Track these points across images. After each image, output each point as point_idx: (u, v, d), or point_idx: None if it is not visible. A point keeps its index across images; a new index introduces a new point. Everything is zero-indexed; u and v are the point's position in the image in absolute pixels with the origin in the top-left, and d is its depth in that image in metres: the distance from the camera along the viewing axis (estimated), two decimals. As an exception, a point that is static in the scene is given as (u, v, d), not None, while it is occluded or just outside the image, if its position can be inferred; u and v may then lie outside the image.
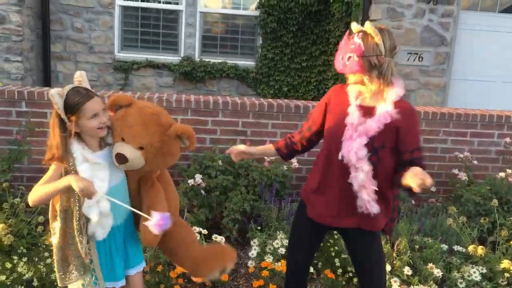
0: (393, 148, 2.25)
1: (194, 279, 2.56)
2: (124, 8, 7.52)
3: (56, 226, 2.20)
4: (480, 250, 3.43)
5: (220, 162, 4.17)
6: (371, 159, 2.23)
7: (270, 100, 4.74)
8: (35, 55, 7.03)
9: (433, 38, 6.75)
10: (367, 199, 2.24)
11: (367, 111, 2.25)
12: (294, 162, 4.37)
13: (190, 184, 3.98)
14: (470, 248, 3.49)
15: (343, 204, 2.33)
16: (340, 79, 7.39)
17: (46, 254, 3.29)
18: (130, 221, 2.38)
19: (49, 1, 7.02)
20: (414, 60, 6.74)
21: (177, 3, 7.65)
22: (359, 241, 2.44)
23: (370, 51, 2.16)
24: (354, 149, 2.23)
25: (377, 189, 2.24)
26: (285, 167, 4.27)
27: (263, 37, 7.68)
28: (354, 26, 2.27)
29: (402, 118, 2.20)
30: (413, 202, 4.49)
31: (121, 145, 2.17)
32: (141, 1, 7.56)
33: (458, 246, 3.68)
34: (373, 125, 2.21)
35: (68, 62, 7.37)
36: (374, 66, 2.18)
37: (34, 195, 2.07)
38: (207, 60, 7.69)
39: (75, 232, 2.14)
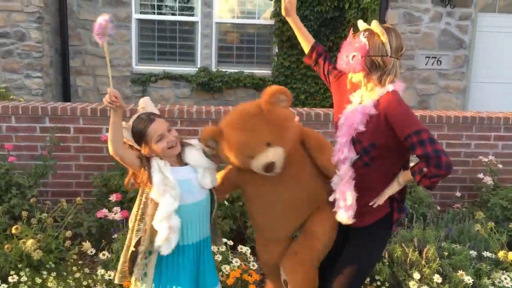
0: (391, 147, 2.14)
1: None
2: (141, 22, 7.61)
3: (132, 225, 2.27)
4: (511, 255, 3.37)
5: (242, 172, 4.17)
6: (363, 159, 2.17)
7: (290, 108, 4.73)
8: (54, 70, 7.14)
9: (451, 41, 6.70)
10: (341, 205, 2.20)
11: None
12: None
13: (214, 195, 3.98)
14: (500, 254, 3.43)
15: None
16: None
17: (74, 268, 3.32)
18: (205, 242, 2.37)
19: (68, 17, 7.13)
20: (432, 64, 6.70)
21: (192, 15, 7.72)
22: (350, 240, 2.36)
23: (375, 51, 2.10)
24: (337, 149, 2.22)
25: (352, 196, 2.16)
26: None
27: (279, 45, 7.70)
28: (361, 24, 2.22)
29: (384, 108, 2.10)
30: (438, 208, 4.43)
31: (253, 163, 2.14)
32: (157, 14, 7.65)
33: (487, 252, 3.62)
34: (350, 121, 2.17)
35: (87, 76, 7.47)
36: (378, 66, 2.11)
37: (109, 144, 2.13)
38: (223, 70, 7.73)
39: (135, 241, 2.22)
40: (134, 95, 7.56)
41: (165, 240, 2.15)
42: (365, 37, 2.11)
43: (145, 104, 2.29)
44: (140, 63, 7.69)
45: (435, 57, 6.68)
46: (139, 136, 2.19)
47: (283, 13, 2.61)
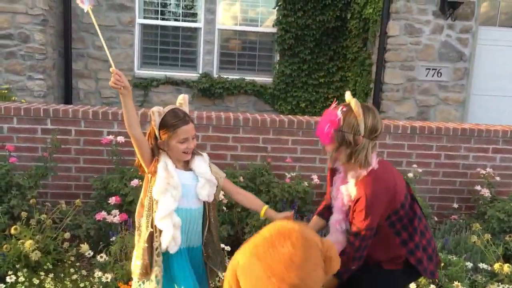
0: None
1: None
2: (144, 26, 7.66)
3: (142, 221, 2.31)
4: (507, 268, 3.38)
5: (241, 179, 4.19)
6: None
7: (290, 116, 4.77)
8: (56, 72, 7.17)
9: (452, 53, 6.75)
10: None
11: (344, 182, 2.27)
12: (315, 178, 4.38)
13: (212, 201, 4.01)
14: (496, 266, 3.44)
15: None
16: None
17: (72, 270, 3.33)
18: (194, 253, 2.40)
19: (72, 20, 7.18)
20: (432, 76, 6.74)
21: (195, 21, 7.77)
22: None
23: (348, 128, 2.12)
24: (333, 222, 2.33)
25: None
26: (306, 183, 4.27)
27: (281, 53, 7.75)
28: (347, 96, 2.23)
29: (357, 193, 2.14)
30: (435, 219, 4.45)
31: None
32: (161, 19, 7.70)
33: (483, 264, 3.63)
34: (339, 205, 2.27)
35: (89, 79, 7.50)
36: (348, 143, 2.12)
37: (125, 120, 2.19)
38: (225, 76, 7.77)
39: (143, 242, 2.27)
40: (136, 99, 7.59)
41: (172, 239, 2.21)
42: (341, 112, 2.13)
43: (184, 101, 2.36)
44: (142, 67, 7.73)
45: (435, 69, 6.72)
46: (168, 127, 2.24)
47: None
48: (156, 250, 2.25)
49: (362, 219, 2.11)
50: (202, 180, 2.32)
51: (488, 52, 6.97)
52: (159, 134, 2.26)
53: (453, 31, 6.69)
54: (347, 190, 2.20)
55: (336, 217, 2.31)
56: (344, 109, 2.15)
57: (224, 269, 2.51)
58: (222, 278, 3.34)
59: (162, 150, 2.29)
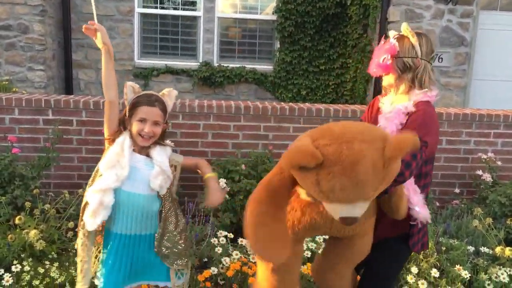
0: None
1: None
2: (143, 16, 7.63)
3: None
4: (508, 251, 3.40)
5: (243, 167, 4.21)
6: None
7: (291, 104, 4.77)
8: (56, 63, 7.16)
9: (453, 38, 6.72)
10: None
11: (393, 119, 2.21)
12: (317, 165, 4.39)
13: (214, 189, 4.02)
14: (497, 249, 3.47)
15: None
16: (358, 81, 7.39)
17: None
18: (140, 240, 2.34)
19: (70, 11, 7.15)
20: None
21: (195, 9, 7.73)
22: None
23: (405, 52, 2.16)
24: None
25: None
26: (307, 171, 4.28)
27: (281, 41, 7.72)
28: (392, 33, 2.27)
29: (415, 114, 2.10)
30: (437, 204, 4.47)
31: (333, 207, 1.72)
32: (160, 8, 7.67)
33: (485, 248, 3.65)
34: (391, 123, 2.15)
35: (89, 70, 7.49)
36: (409, 68, 2.16)
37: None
38: (225, 65, 7.75)
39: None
40: (136, 89, 7.59)
41: (92, 214, 2.17)
42: (395, 39, 2.18)
43: (168, 94, 2.34)
44: (142, 57, 7.72)
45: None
46: (133, 104, 2.26)
47: None
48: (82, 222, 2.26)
49: (423, 133, 1.98)
50: (158, 168, 2.26)
51: (489, 37, 6.94)
52: (128, 111, 2.27)
53: (454, 16, 6.66)
54: (406, 108, 2.12)
55: None
56: (396, 36, 2.19)
57: (182, 266, 2.45)
58: (226, 265, 3.37)
59: (125, 128, 2.29)
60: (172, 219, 2.38)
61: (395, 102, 2.24)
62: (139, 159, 2.27)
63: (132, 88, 2.28)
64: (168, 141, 2.44)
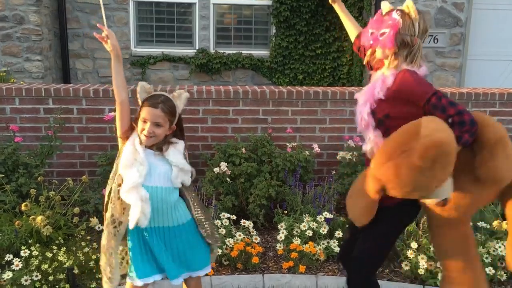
0: (404, 117, 2.14)
1: None
2: (138, 4, 7.62)
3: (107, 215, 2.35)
4: (505, 225, 3.48)
5: (243, 150, 4.26)
6: (379, 129, 2.27)
7: (289, 87, 4.81)
8: (53, 53, 7.17)
9: (448, 19, 6.75)
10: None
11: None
12: (316, 147, 4.45)
13: (216, 172, 4.08)
14: (495, 223, 3.55)
15: None
16: (355, 64, 7.43)
17: (83, 243, 3.42)
18: (172, 231, 2.40)
19: (65, 0, 7.14)
20: (429, 42, 6.75)
21: (190, -4, 7.72)
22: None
23: (405, 30, 2.19)
24: (359, 118, 2.30)
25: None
26: (307, 153, 4.34)
27: (277, 26, 7.73)
28: (386, 5, 2.29)
29: (398, 79, 2.19)
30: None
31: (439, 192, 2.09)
32: (155, -5, 7.65)
33: (482, 223, 3.73)
34: (371, 90, 2.25)
35: (86, 59, 7.50)
36: (406, 45, 2.21)
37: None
38: (221, 51, 7.77)
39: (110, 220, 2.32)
40: (134, 77, 7.61)
41: (142, 212, 2.22)
42: (398, 15, 2.20)
43: (178, 95, 2.39)
44: (139, 45, 7.72)
45: (432, 35, 6.74)
46: (140, 106, 2.34)
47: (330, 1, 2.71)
48: (107, 220, 2.31)
49: (426, 90, 2.14)
50: (175, 170, 2.34)
51: (484, 17, 6.98)
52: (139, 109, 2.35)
53: (449, -4, 6.69)
54: (385, 77, 2.22)
55: (361, 110, 2.30)
56: (399, 12, 2.22)
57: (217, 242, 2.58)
58: (230, 246, 3.44)
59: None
60: (196, 202, 2.49)
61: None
62: (153, 154, 2.34)
63: (144, 88, 2.34)
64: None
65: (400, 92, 2.18)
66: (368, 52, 2.36)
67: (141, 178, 2.25)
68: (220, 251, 3.42)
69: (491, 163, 2.08)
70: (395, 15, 2.20)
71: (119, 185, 2.28)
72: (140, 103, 2.35)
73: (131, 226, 2.25)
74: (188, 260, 2.44)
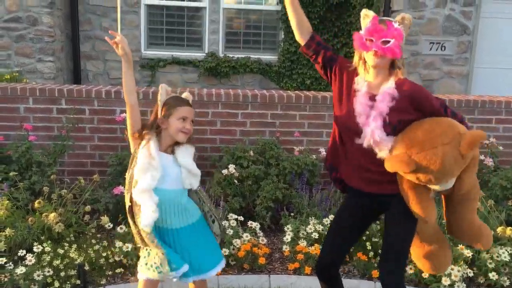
0: (412, 120, 2.30)
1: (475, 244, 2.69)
2: (149, 7, 7.72)
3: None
4: (509, 231, 3.53)
5: (251, 153, 4.33)
6: (390, 135, 2.31)
7: (297, 92, 4.89)
8: (65, 55, 7.28)
9: (455, 27, 6.80)
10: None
11: (373, 97, 2.32)
12: (323, 151, 4.51)
13: (224, 174, 4.16)
14: (499, 229, 3.59)
15: (368, 175, 2.42)
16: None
17: (93, 241, 3.50)
18: (184, 231, 2.46)
19: (78, 3, 7.25)
20: (436, 50, 6.81)
21: (200, 1, 7.82)
22: (392, 208, 2.44)
23: (404, 40, 2.30)
24: (371, 133, 2.29)
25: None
26: (314, 157, 4.41)
27: (285, 31, 7.80)
28: (371, 13, 2.34)
29: (408, 88, 2.29)
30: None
31: (444, 186, 2.31)
32: (166, -1, 7.76)
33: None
34: (382, 105, 2.29)
35: (97, 61, 7.60)
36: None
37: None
38: (230, 55, 7.85)
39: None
40: (144, 79, 7.70)
41: (154, 214, 2.28)
42: (400, 26, 2.28)
43: (189, 97, 2.52)
44: (149, 48, 7.81)
45: (439, 43, 6.79)
46: (169, 105, 2.40)
47: None
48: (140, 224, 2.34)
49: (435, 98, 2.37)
50: (185, 171, 2.42)
51: (491, 25, 7.02)
52: (161, 110, 2.40)
53: (457, 4, 6.74)
54: (391, 90, 2.30)
55: (374, 126, 2.30)
56: (397, 23, 2.30)
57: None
58: (237, 246, 3.50)
59: (154, 129, 2.40)
60: (205, 200, 2.58)
61: (373, 85, 2.34)
62: (166, 158, 2.42)
63: (165, 90, 2.43)
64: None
65: (415, 100, 2.29)
66: (356, 58, 2.39)
67: (154, 181, 2.32)
68: (227, 251, 3.48)
69: (464, 174, 2.33)
70: (398, 25, 2.27)
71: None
72: (160, 103, 2.42)
73: (146, 227, 2.29)
74: (198, 263, 2.47)
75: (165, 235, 2.43)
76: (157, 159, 2.34)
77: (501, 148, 4.73)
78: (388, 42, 2.24)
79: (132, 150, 2.45)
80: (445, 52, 6.85)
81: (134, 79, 2.44)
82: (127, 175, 2.41)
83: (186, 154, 2.45)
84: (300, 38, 2.55)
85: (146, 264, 2.38)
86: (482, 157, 4.64)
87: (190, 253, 2.45)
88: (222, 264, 2.58)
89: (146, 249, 2.41)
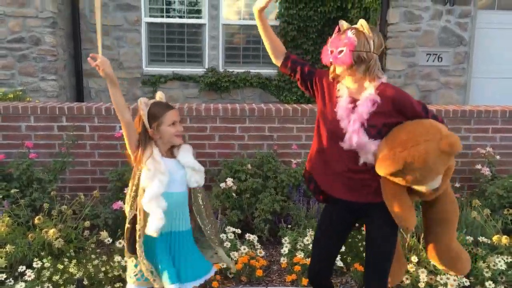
0: (395, 124, 2.37)
1: (442, 268, 2.69)
2: (150, 25, 7.86)
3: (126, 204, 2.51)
4: (504, 239, 3.54)
5: (249, 166, 4.39)
6: (375, 138, 2.38)
7: (294, 105, 4.95)
8: (68, 73, 7.40)
9: (451, 38, 6.87)
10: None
11: (354, 102, 2.40)
12: (320, 163, 4.55)
13: (222, 188, 4.20)
14: (495, 238, 3.60)
15: (349, 183, 2.47)
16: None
17: (93, 256, 3.55)
18: (179, 236, 2.52)
19: (80, 22, 7.39)
20: (433, 61, 6.87)
21: (200, 17, 7.95)
22: (373, 216, 2.49)
23: (360, 46, 2.33)
24: (349, 136, 2.37)
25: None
26: (311, 169, 4.45)
27: (284, 45, 7.84)
28: (344, 23, 2.43)
29: (390, 92, 2.37)
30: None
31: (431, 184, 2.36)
32: (166, 17, 7.89)
33: (483, 238, 3.79)
34: (363, 109, 2.36)
35: (99, 78, 7.70)
36: (363, 60, 2.35)
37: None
38: (230, 70, 7.95)
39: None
40: (145, 95, 7.76)
41: (161, 220, 2.33)
42: (353, 34, 2.34)
43: (162, 97, 2.58)
44: (150, 65, 7.94)
45: (436, 54, 6.85)
46: (155, 116, 2.44)
47: (256, 11, 2.56)
48: (138, 231, 2.40)
49: (416, 102, 2.43)
50: (189, 170, 2.49)
51: (487, 36, 7.08)
52: (149, 124, 2.43)
53: (452, 16, 6.81)
54: (372, 95, 2.36)
55: (352, 128, 2.37)
56: (353, 30, 2.35)
57: (219, 247, 2.70)
58: (234, 259, 3.53)
59: (150, 140, 2.45)
60: (205, 205, 2.64)
61: (354, 90, 2.42)
62: (170, 162, 2.49)
63: (145, 104, 2.45)
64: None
65: (398, 104, 2.36)
66: (331, 69, 2.47)
67: (163, 187, 2.37)
68: (224, 264, 3.51)
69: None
70: (350, 34, 2.33)
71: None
72: (144, 117, 2.43)
73: (154, 233, 2.34)
74: (191, 267, 2.52)
75: (172, 241, 2.49)
76: (162, 164, 2.41)
77: (498, 157, 4.76)
78: (342, 51, 2.33)
79: (133, 165, 2.51)
80: (442, 63, 6.92)
81: (123, 97, 2.45)
82: (130, 187, 2.47)
83: (186, 154, 2.53)
84: (276, 61, 2.69)
85: (136, 275, 2.47)
86: (479, 167, 4.68)
87: (192, 255, 2.53)
88: (214, 269, 2.65)
89: (132, 261, 2.48)
